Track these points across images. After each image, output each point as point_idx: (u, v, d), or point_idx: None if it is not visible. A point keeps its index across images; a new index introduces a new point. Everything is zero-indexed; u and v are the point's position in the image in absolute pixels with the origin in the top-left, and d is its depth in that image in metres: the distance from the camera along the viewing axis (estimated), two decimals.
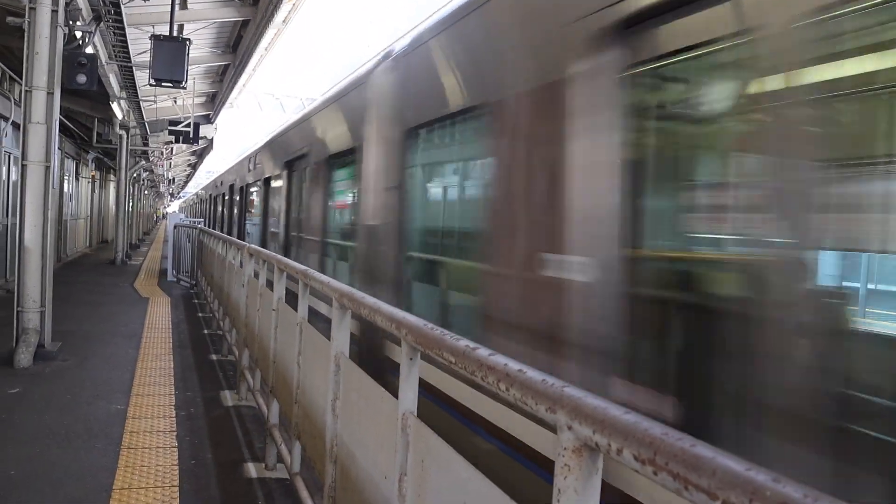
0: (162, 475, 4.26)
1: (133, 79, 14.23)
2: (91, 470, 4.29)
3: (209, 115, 22.00)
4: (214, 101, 21.10)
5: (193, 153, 34.20)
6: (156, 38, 10.01)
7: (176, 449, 4.73)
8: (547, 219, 2.81)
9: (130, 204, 23.86)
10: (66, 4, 7.50)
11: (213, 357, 7.88)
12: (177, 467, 4.40)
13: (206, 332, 9.48)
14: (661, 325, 2.46)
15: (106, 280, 14.93)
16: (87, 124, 17.12)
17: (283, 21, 12.55)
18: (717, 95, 2.41)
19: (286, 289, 4.47)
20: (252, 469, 4.50)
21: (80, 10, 8.57)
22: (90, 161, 22.10)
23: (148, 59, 10.30)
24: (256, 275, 5.66)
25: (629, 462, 1.05)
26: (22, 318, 7.08)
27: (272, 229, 9.49)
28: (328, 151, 6.45)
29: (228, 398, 6.15)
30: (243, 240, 10.69)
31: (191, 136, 18.18)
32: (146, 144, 22.58)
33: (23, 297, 7.09)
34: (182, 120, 18.35)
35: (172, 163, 34.87)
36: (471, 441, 3.18)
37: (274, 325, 4.48)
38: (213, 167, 44.51)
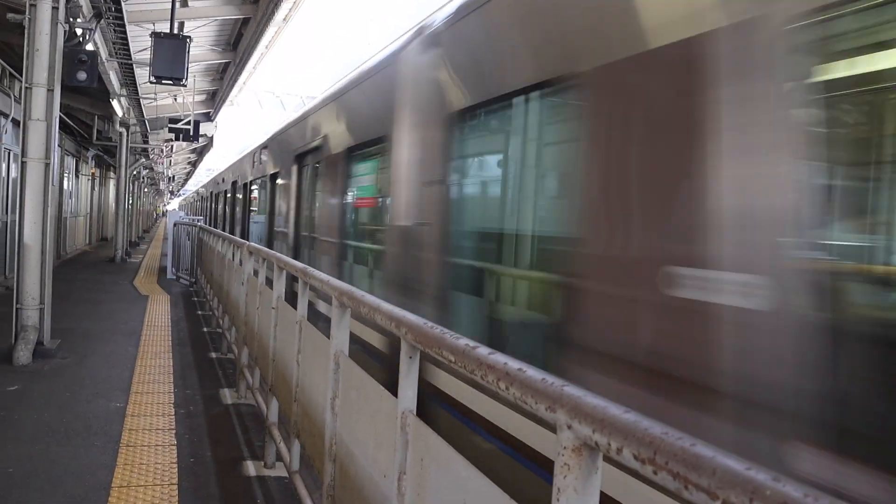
0: (161, 473, 4.26)
1: (133, 76, 14.22)
2: (90, 468, 4.29)
3: (209, 112, 21.98)
4: (215, 98, 21.09)
5: (193, 151, 34.21)
6: (156, 35, 10.01)
7: (175, 447, 4.73)
8: (683, 220, 2.14)
9: (130, 201, 23.84)
10: (67, 1, 7.49)
11: (213, 355, 7.88)
12: (176, 465, 4.40)
13: (205, 329, 9.48)
14: (882, 373, 1.75)
15: (105, 278, 14.91)
16: (87, 121, 17.09)
17: (284, 19, 12.54)
18: None
19: (285, 287, 4.47)
20: (251, 467, 4.50)
21: (81, 6, 8.56)
22: (90, 158, 22.08)
23: (148, 56, 10.29)
24: (256, 273, 5.65)
25: (629, 461, 1.05)
26: (21, 315, 7.07)
27: (279, 228, 8.82)
28: (347, 143, 5.79)
29: (228, 396, 6.15)
30: (247, 240, 10.01)
31: (191, 133, 18.19)
32: (146, 142, 22.59)
33: (22, 294, 7.08)
34: (182, 117, 18.36)
35: (172, 160, 34.86)
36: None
37: (273, 324, 4.48)
38: (214, 165, 44.50)
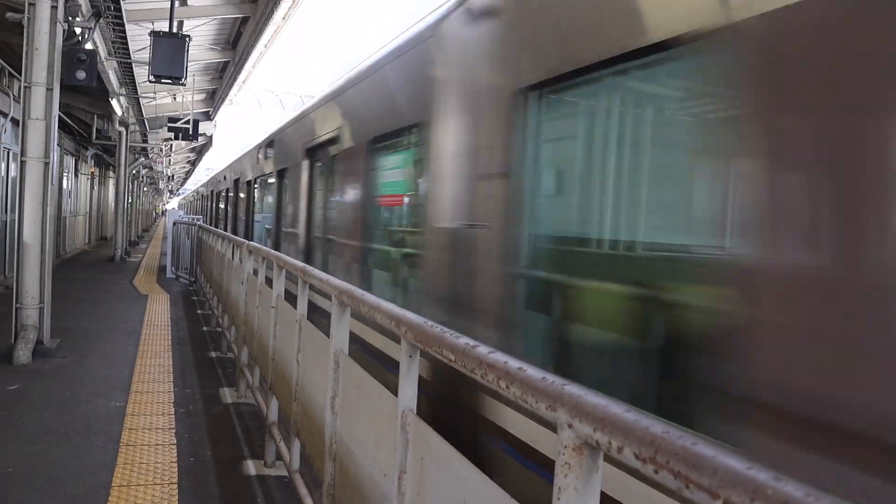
0: (161, 472, 4.26)
1: (132, 75, 14.21)
2: (90, 467, 4.29)
3: (208, 111, 21.97)
4: (214, 97, 21.07)
5: (193, 150, 34.18)
6: (155, 34, 9.99)
7: (175, 446, 4.72)
8: None
9: (129, 200, 23.82)
10: (66, 0, 7.49)
11: (213, 354, 7.88)
12: (176, 464, 4.40)
13: (205, 329, 9.48)
14: None
15: (105, 277, 14.91)
16: (86, 120, 17.08)
17: (283, 18, 12.50)
18: None
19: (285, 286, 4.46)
20: (251, 466, 4.50)
21: (80, 6, 8.55)
22: (89, 157, 22.07)
23: (147, 55, 10.28)
24: (255, 272, 5.65)
25: (630, 460, 1.05)
26: (21, 314, 7.07)
27: (288, 229, 8.14)
28: (370, 133, 5.08)
29: (227, 395, 6.15)
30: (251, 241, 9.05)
31: (190, 132, 18.18)
32: (145, 141, 22.58)
33: (22, 293, 7.08)
34: (181, 117, 18.36)
35: (172, 160, 34.84)
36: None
37: (273, 323, 4.47)
38: (213, 164, 44.52)
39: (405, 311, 2.14)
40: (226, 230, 13.33)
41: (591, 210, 2.90)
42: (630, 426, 1.07)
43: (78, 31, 8.91)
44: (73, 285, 12.59)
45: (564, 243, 3.03)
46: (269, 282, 4.86)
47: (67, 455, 4.47)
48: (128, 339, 8.29)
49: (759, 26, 1.84)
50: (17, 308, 7.08)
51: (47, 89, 7.10)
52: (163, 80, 10.40)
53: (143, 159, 26.16)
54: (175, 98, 19.96)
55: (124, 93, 15.26)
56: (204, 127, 21.10)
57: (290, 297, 4.10)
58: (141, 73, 13.55)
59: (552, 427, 1.24)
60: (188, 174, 57.37)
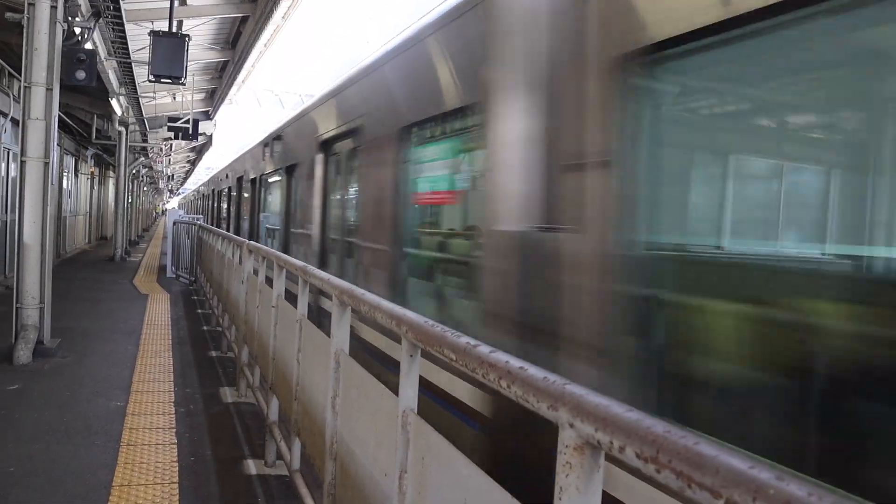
0: (161, 472, 4.26)
1: (132, 75, 14.21)
2: (90, 467, 4.28)
3: (208, 111, 21.96)
4: (213, 97, 21.07)
5: (192, 150, 34.18)
6: (155, 34, 9.99)
7: (175, 446, 4.72)
8: None
9: (129, 200, 23.82)
10: (66, 0, 7.48)
11: (213, 354, 7.88)
12: (176, 464, 4.40)
13: (205, 328, 9.48)
14: None
15: (105, 277, 14.91)
16: (86, 120, 17.08)
17: (283, 17, 12.51)
18: None
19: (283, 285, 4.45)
20: (252, 466, 4.50)
21: (80, 5, 8.55)
22: (89, 157, 22.07)
23: (147, 55, 10.28)
24: (256, 271, 5.64)
25: (632, 460, 1.05)
26: (21, 314, 7.07)
27: (298, 230, 7.54)
28: (401, 120, 4.45)
29: (228, 395, 6.15)
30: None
31: (190, 132, 18.17)
32: (145, 141, 22.57)
33: (22, 293, 7.08)
34: (181, 116, 18.35)
35: (171, 159, 34.83)
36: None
37: (273, 322, 4.47)
38: (213, 163, 44.52)
39: (405, 311, 2.14)
40: (228, 230, 13.04)
41: (737, 209, 2.18)
42: (632, 426, 1.07)
43: (77, 30, 8.90)
44: (74, 285, 12.59)
45: (697, 253, 2.34)
46: (269, 281, 4.86)
47: (68, 455, 4.47)
48: (128, 338, 8.29)
49: None
50: (17, 308, 7.07)
51: (47, 89, 7.10)
52: (162, 80, 10.39)
53: (142, 159, 26.15)
54: (175, 98, 19.96)
55: (124, 92, 15.26)
56: (204, 126, 21.09)
57: (291, 297, 4.10)
58: (141, 73, 13.54)
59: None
60: (188, 174, 57.36)
